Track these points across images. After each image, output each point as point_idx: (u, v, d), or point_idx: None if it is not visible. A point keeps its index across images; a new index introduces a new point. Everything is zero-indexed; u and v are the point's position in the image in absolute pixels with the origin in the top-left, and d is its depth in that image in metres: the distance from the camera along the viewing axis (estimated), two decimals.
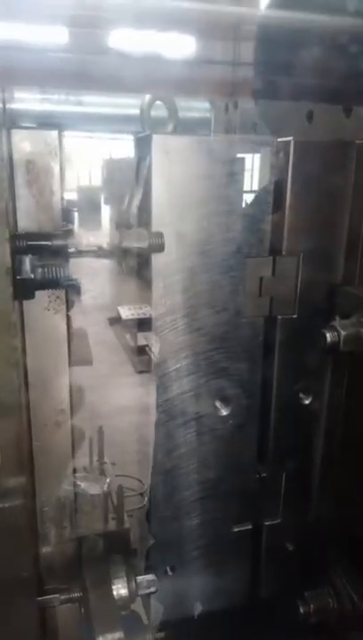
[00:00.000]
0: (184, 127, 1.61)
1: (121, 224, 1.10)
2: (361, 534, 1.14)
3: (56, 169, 0.90)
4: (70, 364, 1.04)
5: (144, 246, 0.90)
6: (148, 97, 1.44)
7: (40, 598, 1.08)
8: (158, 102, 1.41)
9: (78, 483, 1.21)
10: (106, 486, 1.27)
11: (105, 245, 1.03)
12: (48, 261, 0.87)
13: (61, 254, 0.87)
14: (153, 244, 0.92)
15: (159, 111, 1.54)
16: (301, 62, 1.13)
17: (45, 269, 0.81)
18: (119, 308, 4.39)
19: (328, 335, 0.99)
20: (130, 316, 4.19)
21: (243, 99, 1.72)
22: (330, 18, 1.10)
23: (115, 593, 1.06)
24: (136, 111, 1.47)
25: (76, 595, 1.08)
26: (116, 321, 4.40)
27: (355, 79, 1.08)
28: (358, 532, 1.16)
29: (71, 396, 1.03)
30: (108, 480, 1.29)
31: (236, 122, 1.78)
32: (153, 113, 1.41)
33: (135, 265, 1.07)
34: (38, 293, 0.92)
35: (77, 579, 1.10)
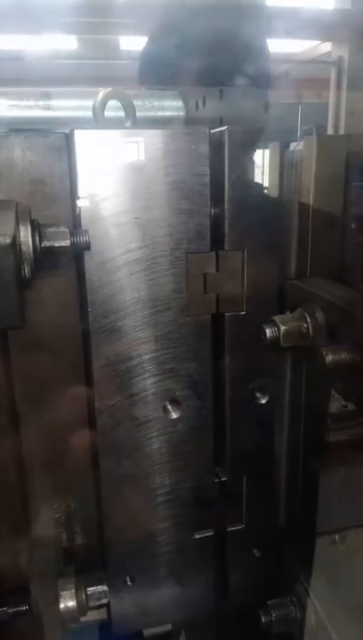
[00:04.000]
0: (157, 126, 1.59)
1: None
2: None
3: None
4: None
5: (66, 245, 0.87)
6: (101, 93, 1.40)
7: None
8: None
9: None
10: None
11: None
12: None
13: None
14: (77, 242, 0.88)
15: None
16: None
17: None
18: None
19: (268, 330, 0.94)
20: None
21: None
22: None
23: (62, 605, 1.02)
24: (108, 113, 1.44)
25: (24, 607, 1.04)
26: None
27: None
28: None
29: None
30: None
31: (205, 118, 1.76)
32: None
33: None
34: None
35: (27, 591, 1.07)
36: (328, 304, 0.94)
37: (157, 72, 1.45)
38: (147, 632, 1.33)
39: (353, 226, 1.06)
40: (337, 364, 0.83)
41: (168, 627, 1.34)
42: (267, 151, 1.34)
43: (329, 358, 0.83)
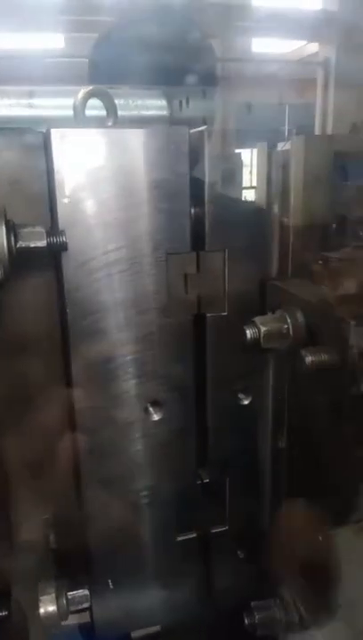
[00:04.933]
0: (141, 126, 1.59)
1: None
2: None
3: None
4: None
5: (42, 245, 0.85)
6: (81, 92, 1.39)
7: None
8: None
9: None
10: None
11: None
12: None
13: None
14: (53, 242, 0.87)
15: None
16: None
17: None
18: None
19: (248, 332, 0.93)
20: None
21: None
22: None
23: (42, 610, 1.01)
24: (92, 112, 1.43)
25: (3, 613, 1.03)
26: None
27: None
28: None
29: None
30: None
31: (189, 118, 1.76)
32: None
33: None
34: None
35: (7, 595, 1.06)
36: (309, 305, 0.93)
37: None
38: (135, 633, 1.32)
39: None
40: (317, 364, 0.82)
41: (157, 628, 1.33)
42: (254, 151, 1.34)
43: (309, 359, 0.82)
